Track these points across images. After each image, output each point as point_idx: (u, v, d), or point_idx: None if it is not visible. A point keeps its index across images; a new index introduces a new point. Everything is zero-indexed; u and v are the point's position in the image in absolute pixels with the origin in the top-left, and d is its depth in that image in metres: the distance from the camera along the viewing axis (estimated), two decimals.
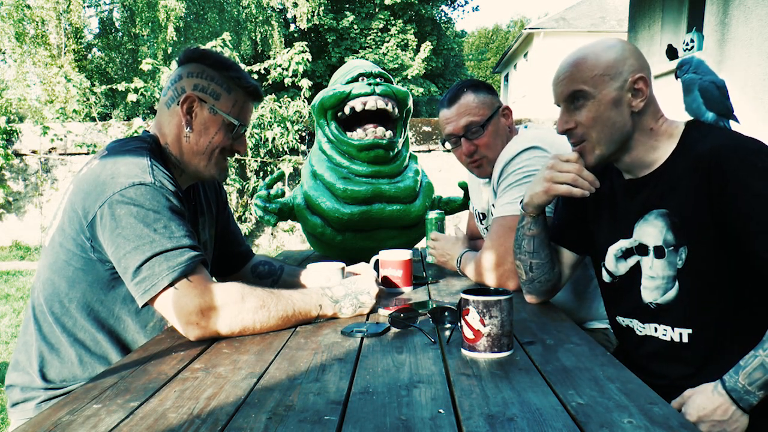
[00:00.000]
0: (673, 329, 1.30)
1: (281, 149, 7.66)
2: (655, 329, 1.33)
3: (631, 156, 1.31)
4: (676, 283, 1.28)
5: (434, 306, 1.33)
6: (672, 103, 1.46)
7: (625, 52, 1.27)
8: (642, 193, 1.31)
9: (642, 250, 1.32)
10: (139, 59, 14.05)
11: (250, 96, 1.46)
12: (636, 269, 1.35)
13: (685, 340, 1.29)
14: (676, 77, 1.41)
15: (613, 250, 1.39)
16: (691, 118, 1.37)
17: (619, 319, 1.43)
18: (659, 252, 1.29)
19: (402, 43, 19.68)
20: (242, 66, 7.61)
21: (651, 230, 1.29)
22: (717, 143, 1.21)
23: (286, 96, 8.20)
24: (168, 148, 1.43)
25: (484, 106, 1.80)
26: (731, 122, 1.40)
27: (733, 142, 1.20)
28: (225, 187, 1.79)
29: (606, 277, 1.43)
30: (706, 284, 1.25)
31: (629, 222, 1.34)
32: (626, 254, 1.36)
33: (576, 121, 1.30)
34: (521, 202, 1.45)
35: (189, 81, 1.40)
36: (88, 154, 7.65)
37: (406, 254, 1.70)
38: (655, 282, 1.31)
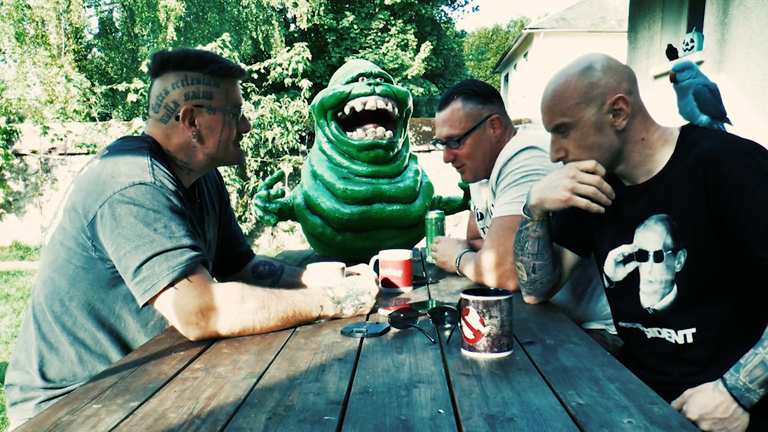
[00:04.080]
0: (676, 332, 1.31)
1: (281, 149, 7.66)
2: (659, 332, 1.34)
3: (627, 165, 1.33)
4: (674, 287, 1.28)
5: (434, 306, 1.33)
6: (673, 103, 1.46)
7: (598, 73, 1.27)
8: (642, 199, 1.32)
9: (642, 256, 1.33)
10: (139, 59, 14.05)
11: (235, 78, 1.45)
12: (634, 275, 1.35)
13: (690, 340, 1.29)
14: (675, 81, 1.41)
15: (614, 254, 1.39)
16: (686, 122, 1.37)
17: (622, 323, 1.43)
18: (658, 256, 1.29)
19: (402, 43, 19.67)
20: (242, 66, 7.62)
21: (651, 235, 1.30)
22: (712, 146, 1.22)
23: (286, 96, 8.19)
24: (171, 152, 1.42)
25: (469, 118, 1.79)
26: (725, 125, 1.41)
27: (728, 145, 1.21)
28: (225, 186, 1.79)
29: (605, 283, 1.44)
30: (705, 285, 1.26)
31: (630, 228, 1.34)
32: (626, 260, 1.36)
33: (565, 149, 1.33)
34: (525, 205, 1.44)
35: (178, 92, 1.39)
36: (88, 154, 7.65)
37: (406, 254, 1.70)
38: (653, 287, 1.31)
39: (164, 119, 1.41)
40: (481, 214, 1.98)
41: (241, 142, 1.52)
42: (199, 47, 6.66)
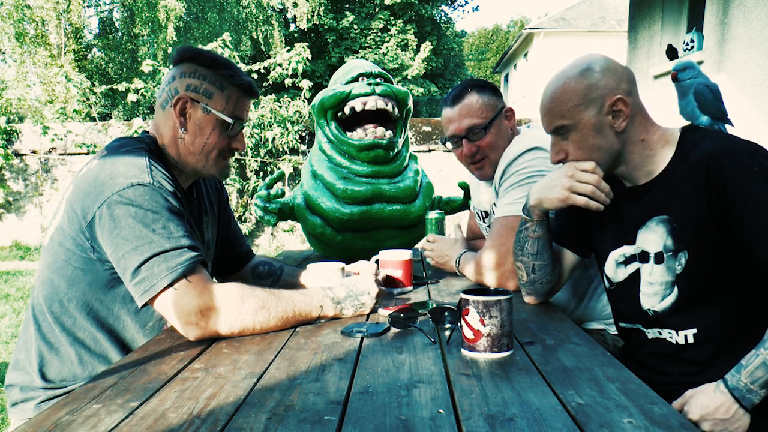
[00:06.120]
0: (677, 333, 1.31)
1: (281, 149, 7.66)
2: (660, 333, 1.34)
3: (628, 167, 1.32)
4: (675, 289, 1.28)
5: (434, 306, 1.33)
6: (673, 102, 1.46)
7: (596, 75, 1.27)
8: (643, 200, 1.32)
9: (643, 257, 1.33)
10: (139, 59, 14.04)
11: (244, 92, 1.44)
12: (635, 276, 1.35)
13: (691, 340, 1.29)
14: (676, 80, 1.41)
15: (615, 255, 1.39)
16: (687, 122, 1.37)
17: (623, 324, 1.43)
18: (659, 258, 1.29)
19: (402, 43, 19.68)
20: (242, 66, 7.62)
21: (652, 237, 1.30)
22: (713, 147, 1.22)
23: (286, 96, 8.19)
24: (166, 149, 1.42)
25: (488, 108, 1.78)
26: (726, 126, 1.41)
27: (729, 146, 1.21)
28: (225, 187, 1.78)
29: (606, 283, 1.44)
30: (705, 285, 1.26)
31: (631, 229, 1.34)
32: (627, 261, 1.36)
33: (565, 151, 1.33)
34: (525, 205, 1.44)
35: (182, 81, 1.39)
36: (88, 154, 7.65)
37: (406, 254, 1.70)
38: (654, 288, 1.31)
39: (163, 105, 1.42)
40: (486, 212, 1.98)
41: (231, 159, 1.49)
42: (199, 47, 6.65)
